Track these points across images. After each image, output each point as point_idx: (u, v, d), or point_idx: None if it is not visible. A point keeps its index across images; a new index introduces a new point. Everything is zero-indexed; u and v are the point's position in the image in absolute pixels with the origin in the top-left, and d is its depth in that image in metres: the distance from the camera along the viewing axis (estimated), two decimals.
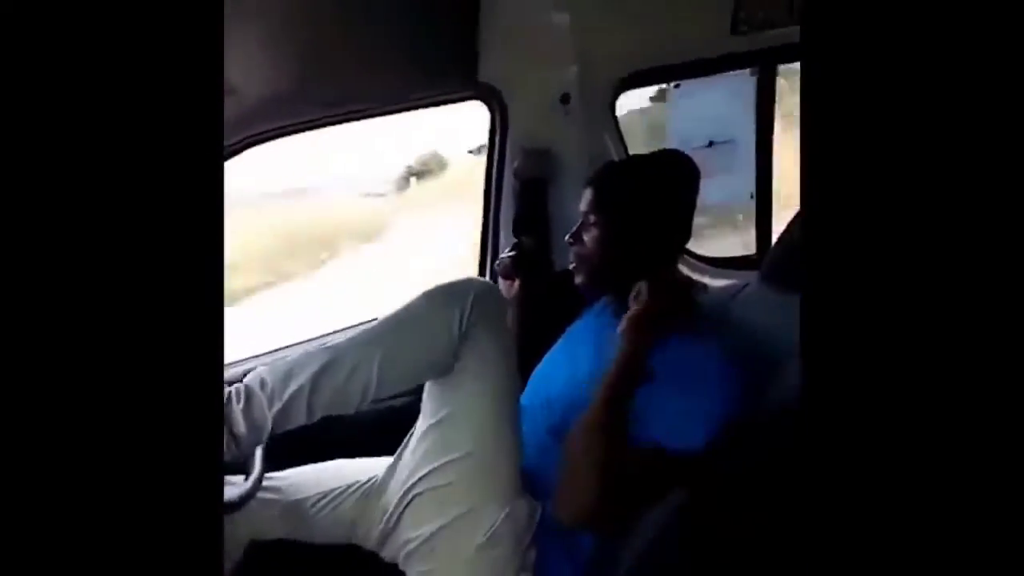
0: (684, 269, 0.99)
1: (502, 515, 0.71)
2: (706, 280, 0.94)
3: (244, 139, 1.13)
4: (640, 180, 0.84)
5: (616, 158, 1.24)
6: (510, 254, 1.02)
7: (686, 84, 1.34)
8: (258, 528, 0.80)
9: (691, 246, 1.00)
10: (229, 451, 0.65)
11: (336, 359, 0.69)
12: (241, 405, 0.66)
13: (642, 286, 0.74)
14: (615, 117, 1.28)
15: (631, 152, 1.29)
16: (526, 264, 0.98)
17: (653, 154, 0.93)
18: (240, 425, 0.65)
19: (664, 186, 0.83)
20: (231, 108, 1.01)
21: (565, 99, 1.22)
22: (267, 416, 0.66)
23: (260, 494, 0.78)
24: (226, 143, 1.11)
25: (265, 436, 0.67)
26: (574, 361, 0.80)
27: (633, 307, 0.73)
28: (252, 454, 0.71)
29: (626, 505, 0.66)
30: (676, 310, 0.74)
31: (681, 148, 0.91)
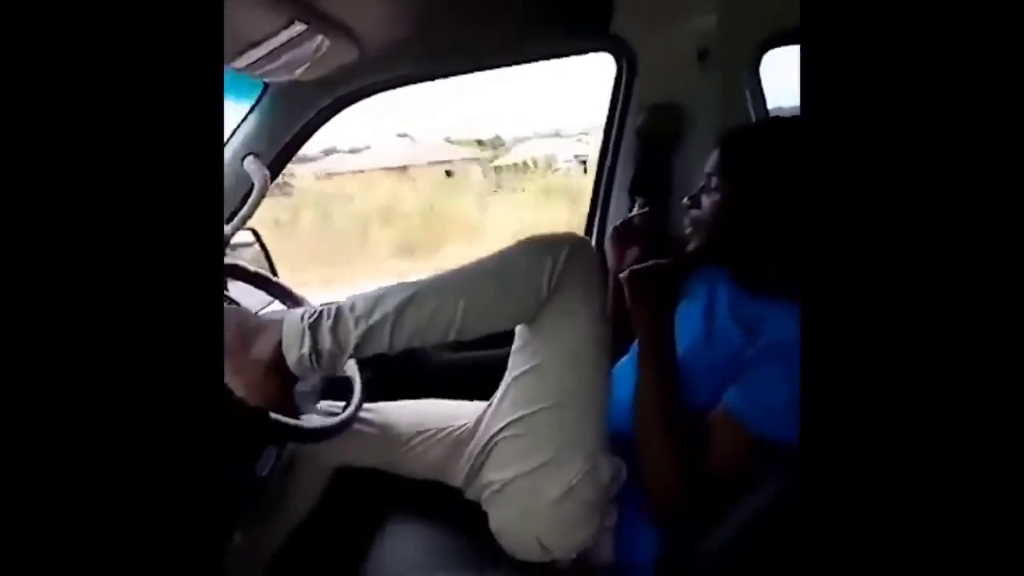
0: None
1: (582, 472, 0.71)
2: None
3: (361, 88, 1.11)
4: (775, 145, 0.74)
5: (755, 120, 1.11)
6: (638, 213, 0.89)
7: None
8: (352, 455, 0.85)
9: None
10: (312, 367, 0.67)
11: (422, 294, 0.68)
12: (329, 323, 0.67)
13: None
14: (759, 76, 1.13)
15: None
16: (653, 230, 0.85)
17: (796, 117, 0.80)
18: (326, 341, 0.67)
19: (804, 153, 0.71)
20: (351, 54, 0.99)
21: (703, 55, 1.10)
22: (351, 336, 0.67)
23: (357, 425, 0.81)
24: (344, 90, 1.10)
25: (347, 356, 0.69)
26: (676, 328, 0.75)
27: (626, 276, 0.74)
28: (333, 373, 0.73)
29: (708, 475, 0.66)
30: (667, 272, 0.73)
31: None
